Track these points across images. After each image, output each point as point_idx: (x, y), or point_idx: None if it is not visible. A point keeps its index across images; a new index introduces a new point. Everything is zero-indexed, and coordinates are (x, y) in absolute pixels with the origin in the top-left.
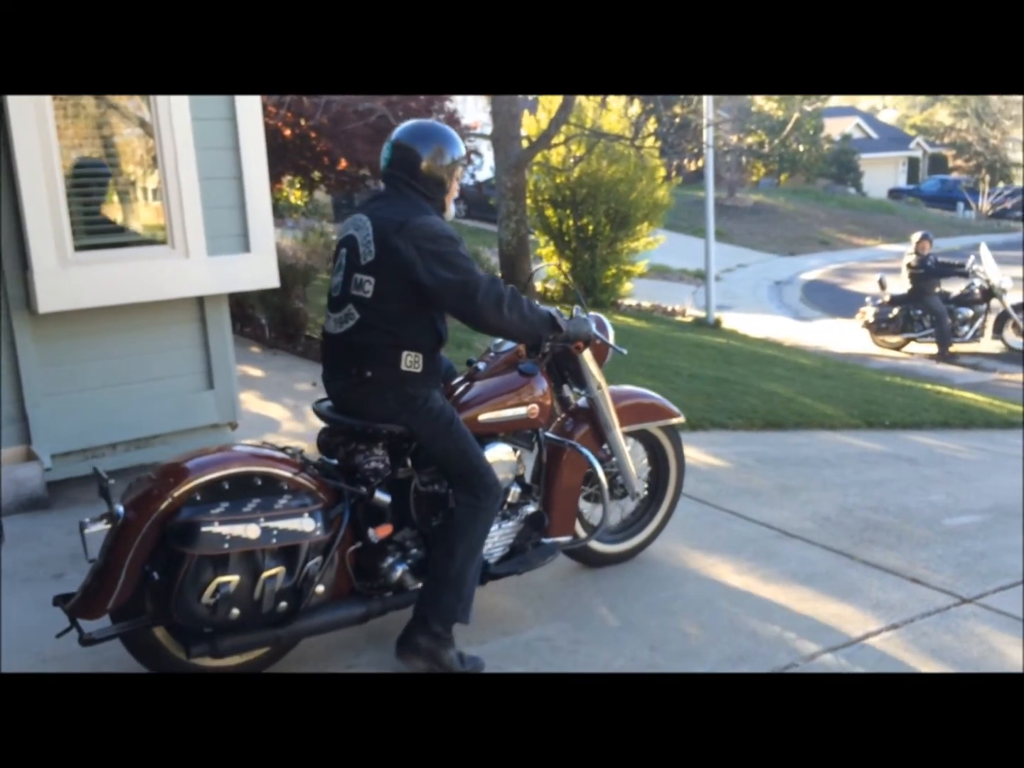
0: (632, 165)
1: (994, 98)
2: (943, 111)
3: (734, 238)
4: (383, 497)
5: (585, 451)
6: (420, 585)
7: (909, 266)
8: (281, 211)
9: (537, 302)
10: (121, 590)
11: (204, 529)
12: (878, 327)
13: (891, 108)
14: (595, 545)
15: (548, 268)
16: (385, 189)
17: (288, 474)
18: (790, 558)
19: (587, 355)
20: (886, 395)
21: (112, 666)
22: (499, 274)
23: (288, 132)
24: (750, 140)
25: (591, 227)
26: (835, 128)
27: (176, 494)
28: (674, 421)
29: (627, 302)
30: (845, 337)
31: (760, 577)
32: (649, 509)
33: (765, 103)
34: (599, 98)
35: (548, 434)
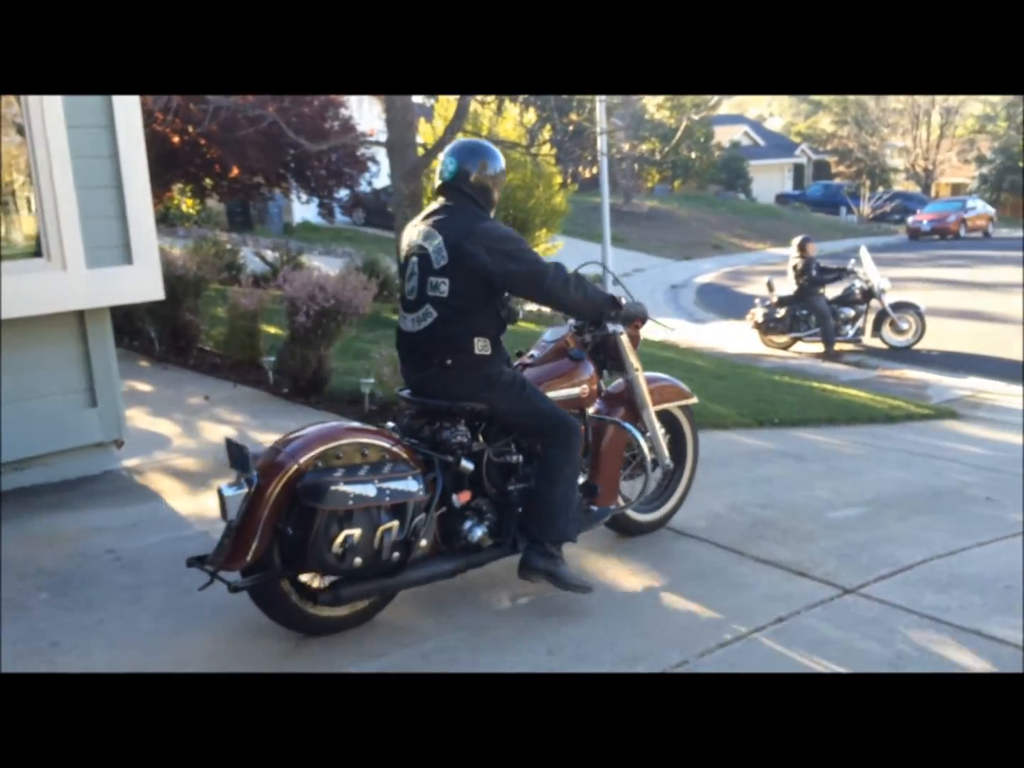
0: (529, 172)
1: (872, 106)
2: (826, 119)
3: (631, 243)
4: (468, 465)
5: (628, 426)
6: (493, 545)
7: (795, 268)
8: (172, 220)
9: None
10: (257, 545)
11: (332, 488)
12: (767, 328)
13: (777, 116)
14: (632, 514)
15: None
16: (442, 201)
17: (387, 444)
18: (684, 557)
19: (625, 340)
20: (776, 394)
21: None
22: (398, 281)
23: (176, 139)
24: (644, 147)
25: None
26: (724, 135)
27: (301, 461)
28: (690, 401)
29: (529, 308)
30: (737, 338)
31: (654, 577)
32: (672, 482)
33: (657, 111)
34: (495, 105)
35: (591, 414)
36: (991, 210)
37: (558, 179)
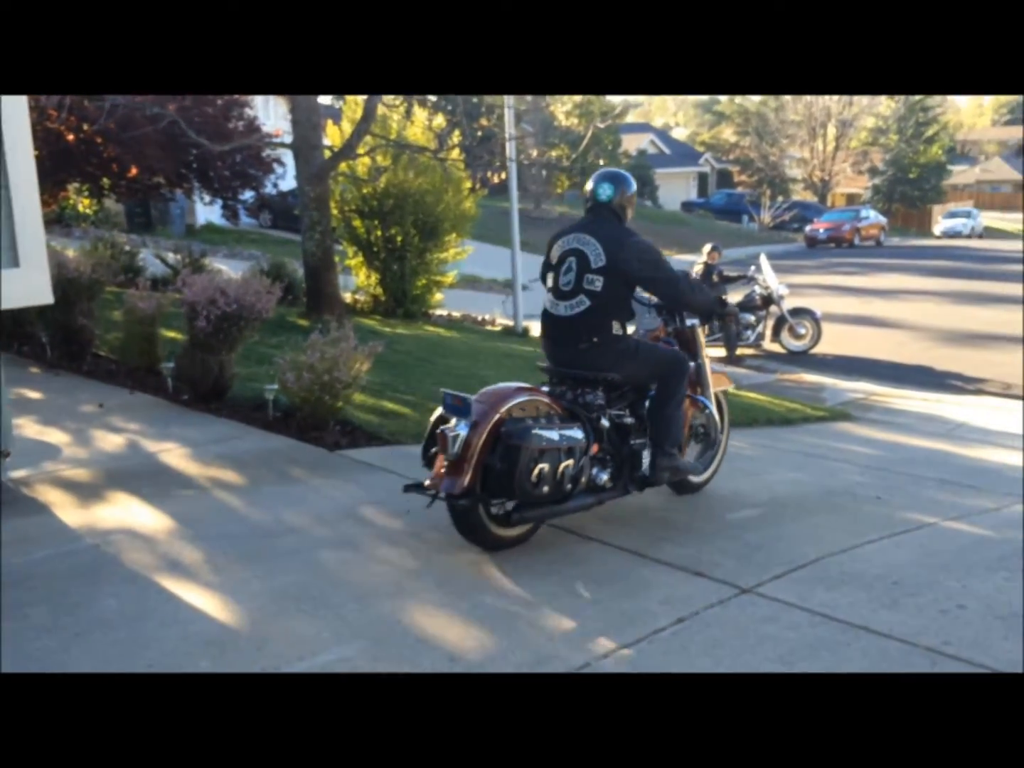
0: (438, 177)
1: (772, 117)
2: (728, 129)
3: (541, 248)
4: (605, 422)
5: (703, 400)
6: (612, 487)
7: (698, 275)
8: (68, 221)
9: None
10: (471, 475)
11: (534, 431)
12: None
13: (682, 126)
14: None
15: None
16: (592, 215)
17: (552, 403)
18: (587, 560)
19: (700, 332)
20: None
21: None
22: (304, 285)
23: (71, 137)
24: (554, 153)
25: (399, 238)
26: (632, 143)
27: (502, 411)
28: (731, 387)
29: (438, 312)
30: None
31: (557, 581)
32: (710, 451)
33: (566, 118)
34: (404, 108)
35: None
36: (883, 219)
37: (467, 184)
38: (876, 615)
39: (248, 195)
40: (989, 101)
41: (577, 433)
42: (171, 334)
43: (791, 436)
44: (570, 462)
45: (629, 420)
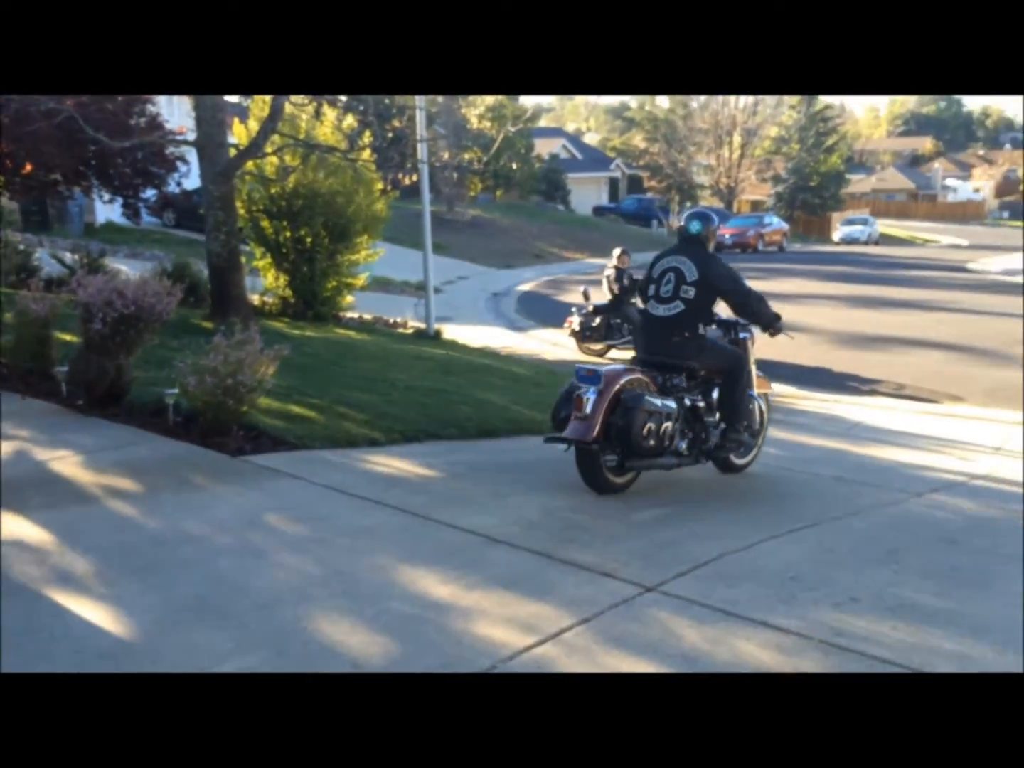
0: (349, 178)
1: (680, 125)
2: (638, 136)
3: (454, 251)
4: (687, 401)
5: (754, 394)
6: (687, 455)
7: (608, 279)
8: None
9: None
10: (599, 429)
11: (646, 397)
12: (583, 335)
13: (594, 131)
14: (733, 458)
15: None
16: (686, 244)
17: (650, 382)
18: (495, 563)
19: (751, 342)
20: None
21: None
22: (209, 286)
23: None
24: (466, 156)
25: (309, 239)
26: (544, 148)
27: (622, 382)
28: (771, 391)
29: (349, 315)
30: (555, 345)
31: (465, 585)
32: (754, 440)
33: (479, 122)
34: (313, 108)
35: None
36: (785, 226)
37: (379, 185)
38: (774, 610)
39: (150, 193)
40: (884, 112)
41: (672, 404)
42: (66, 337)
43: None
44: (668, 424)
45: (702, 403)
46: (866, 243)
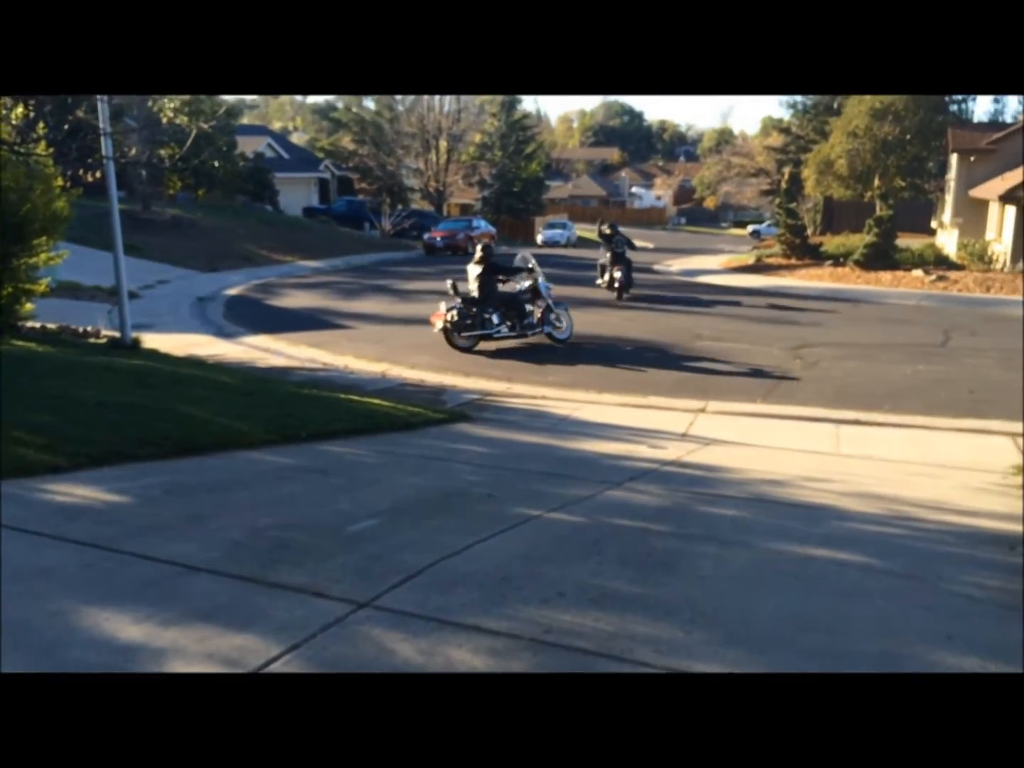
0: (22, 173)
1: (387, 128)
2: (347, 137)
3: (152, 253)
4: None
5: None
6: None
7: (476, 274)
8: None
9: None
10: None
11: None
12: (460, 326)
13: (301, 131)
14: None
15: None
16: None
17: None
18: (194, 594)
19: None
20: (303, 408)
21: None
22: None
23: None
24: (163, 152)
25: None
26: (248, 146)
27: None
28: None
29: (30, 324)
30: (268, 352)
31: (160, 623)
32: None
33: (176, 116)
34: None
35: None
36: (493, 229)
37: (59, 182)
38: (487, 613)
39: None
40: (577, 123)
41: None
42: None
43: (413, 440)
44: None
45: None
46: (566, 246)
